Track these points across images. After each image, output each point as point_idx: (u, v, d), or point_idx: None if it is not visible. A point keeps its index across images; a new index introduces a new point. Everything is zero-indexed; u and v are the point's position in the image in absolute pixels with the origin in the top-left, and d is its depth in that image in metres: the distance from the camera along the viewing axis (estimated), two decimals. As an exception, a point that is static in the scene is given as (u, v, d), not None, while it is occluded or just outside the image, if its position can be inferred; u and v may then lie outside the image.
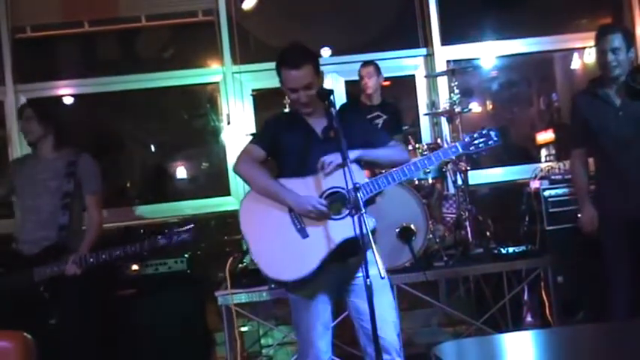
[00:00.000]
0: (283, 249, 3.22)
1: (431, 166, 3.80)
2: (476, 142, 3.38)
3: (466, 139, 3.41)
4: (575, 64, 6.79)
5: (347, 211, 3.17)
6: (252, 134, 5.62)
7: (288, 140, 3.32)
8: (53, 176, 4.17)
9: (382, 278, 2.84)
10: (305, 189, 3.24)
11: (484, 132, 3.38)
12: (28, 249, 4.07)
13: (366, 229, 2.87)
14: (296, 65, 3.25)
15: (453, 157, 3.44)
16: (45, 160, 4.23)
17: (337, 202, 3.22)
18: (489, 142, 3.37)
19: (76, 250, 4.08)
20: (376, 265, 2.84)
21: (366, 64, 5.58)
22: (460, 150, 3.39)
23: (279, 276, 3.25)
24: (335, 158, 3.15)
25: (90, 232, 4.28)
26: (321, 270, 3.17)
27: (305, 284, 3.21)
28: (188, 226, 4.14)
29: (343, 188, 3.13)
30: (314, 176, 3.25)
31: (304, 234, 3.21)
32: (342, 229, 3.17)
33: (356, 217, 2.92)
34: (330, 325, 3.35)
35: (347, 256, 3.22)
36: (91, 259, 4.05)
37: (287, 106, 5.12)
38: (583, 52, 6.70)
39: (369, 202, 3.26)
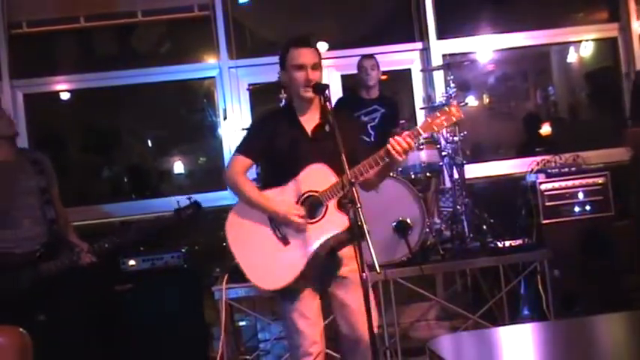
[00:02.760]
0: (268, 259, 3.28)
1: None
2: (437, 121, 3.22)
3: (427, 120, 3.26)
4: (572, 57, 6.79)
5: (322, 213, 3.22)
6: (247, 129, 5.62)
7: (276, 143, 3.33)
8: (28, 176, 4.14)
9: (378, 272, 2.88)
10: (283, 196, 3.29)
11: (445, 109, 3.26)
12: (21, 248, 4.03)
13: (361, 222, 2.87)
14: (307, 43, 3.33)
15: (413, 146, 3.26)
16: (12, 162, 4.17)
17: (313, 206, 3.25)
18: (452, 118, 3.24)
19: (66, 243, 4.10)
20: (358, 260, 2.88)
21: (367, 56, 5.58)
22: (422, 133, 3.22)
23: (268, 286, 3.29)
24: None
25: (70, 224, 4.32)
26: (308, 271, 3.23)
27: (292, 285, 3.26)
28: (192, 202, 4.18)
29: (317, 192, 3.21)
30: (293, 181, 3.28)
31: (285, 241, 3.27)
32: (319, 231, 3.23)
33: (351, 212, 2.93)
34: (320, 316, 3.38)
35: (335, 251, 3.29)
36: (106, 245, 4.07)
37: (283, 100, 5.11)
38: (579, 46, 6.70)
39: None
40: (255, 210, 3.31)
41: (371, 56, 5.56)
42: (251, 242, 3.32)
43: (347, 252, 3.28)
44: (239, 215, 3.37)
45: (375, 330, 3.21)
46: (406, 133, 3.18)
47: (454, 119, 3.25)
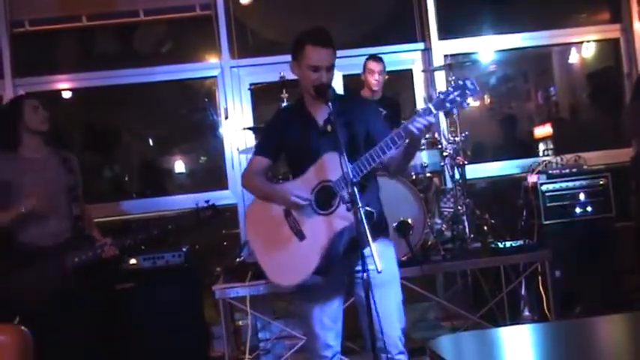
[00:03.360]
0: (285, 255, 3.24)
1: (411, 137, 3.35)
2: (451, 97, 2.99)
3: (440, 96, 3.01)
4: (573, 58, 6.80)
5: (336, 204, 3.15)
6: (249, 128, 5.63)
7: (289, 137, 3.32)
8: (58, 174, 4.17)
9: (379, 272, 2.83)
10: (299, 187, 3.24)
11: (460, 83, 3.01)
12: (45, 241, 4.06)
13: (364, 225, 2.84)
14: (326, 43, 3.23)
15: (433, 120, 3.04)
16: (43, 158, 4.19)
17: (328, 196, 3.18)
18: (467, 93, 2.98)
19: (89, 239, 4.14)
20: (385, 259, 2.86)
21: (377, 59, 5.58)
22: (434, 110, 2.99)
23: (285, 282, 3.27)
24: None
25: (92, 221, 4.39)
26: (325, 266, 3.17)
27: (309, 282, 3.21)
28: (209, 205, 4.21)
29: (331, 181, 3.15)
30: (307, 172, 3.24)
31: (301, 236, 3.22)
32: (334, 221, 3.15)
33: (352, 212, 2.90)
34: (339, 319, 3.34)
35: (350, 250, 3.18)
36: (129, 241, 4.09)
37: (285, 100, 5.12)
38: (581, 47, 6.70)
39: (362, 188, 3.08)
40: (270, 203, 3.29)
41: (380, 60, 5.57)
42: (268, 237, 3.30)
43: (365, 252, 3.07)
44: (257, 210, 3.39)
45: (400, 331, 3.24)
46: (418, 114, 3.01)
47: (469, 93, 2.98)
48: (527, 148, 6.73)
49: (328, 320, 3.29)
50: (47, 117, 4.21)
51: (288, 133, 3.33)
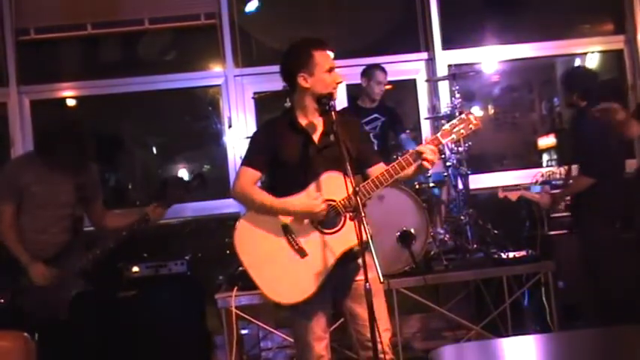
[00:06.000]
0: (283, 271, 3.19)
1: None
2: (456, 129, 3.23)
3: (447, 128, 3.25)
4: (577, 69, 6.80)
5: (341, 223, 3.17)
6: (250, 139, 5.63)
7: (285, 153, 3.27)
8: (66, 186, 4.19)
9: (382, 282, 2.86)
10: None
11: (463, 117, 3.25)
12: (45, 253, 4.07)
13: (366, 233, 2.85)
14: (328, 45, 3.33)
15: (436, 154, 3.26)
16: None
17: (330, 215, 3.18)
18: (470, 127, 3.23)
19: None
20: (374, 268, 2.84)
21: (383, 69, 5.60)
22: (442, 142, 3.24)
23: (285, 299, 3.20)
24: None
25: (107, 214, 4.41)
26: (327, 281, 3.17)
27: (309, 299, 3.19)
28: (195, 174, 4.23)
29: (334, 200, 3.15)
30: (305, 191, 3.21)
31: (302, 253, 3.19)
32: (338, 242, 3.16)
33: (355, 222, 2.92)
34: (328, 330, 3.34)
35: (346, 263, 3.22)
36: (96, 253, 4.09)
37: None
38: (585, 58, 6.71)
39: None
40: (269, 218, 3.22)
41: (384, 70, 5.58)
42: (263, 253, 3.22)
43: (360, 262, 3.17)
44: (249, 225, 3.27)
45: (387, 338, 3.21)
46: (428, 141, 3.19)
47: (472, 127, 3.23)
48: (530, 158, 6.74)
49: (320, 331, 3.27)
50: None
51: (281, 147, 3.27)
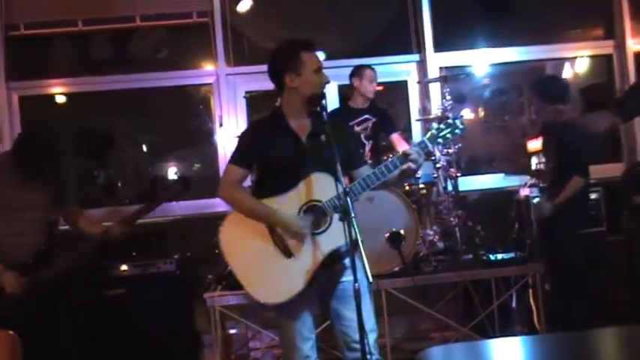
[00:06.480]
0: (268, 271, 3.19)
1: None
2: (442, 133, 3.27)
3: (434, 132, 3.29)
4: (567, 73, 6.83)
5: (327, 224, 3.18)
6: (238, 138, 5.62)
7: (272, 153, 3.26)
8: (36, 188, 4.16)
9: (370, 283, 2.86)
10: (283, 205, 3.21)
11: (449, 122, 3.29)
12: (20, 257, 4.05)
13: (355, 234, 2.86)
14: (315, 46, 3.33)
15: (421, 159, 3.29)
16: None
17: (316, 216, 3.19)
18: (455, 132, 3.27)
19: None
20: (361, 269, 2.84)
21: (373, 68, 5.61)
22: (429, 145, 3.26)
23: (270, 299, 3.20)
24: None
25: (82, 216, 4.36)
26: (312, 282, 3.17)
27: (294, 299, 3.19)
28: (178, 177, 4.20)
29: (320, 201, 3.16)
30: (293, 191, 3.21)
31: (288, 253, 3.19)
32: (325, 242, 3.17)
33: (345, 222, 2.91)
34: (314, 330, 3.34)
35: (333, 263, 3.22)
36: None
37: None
38: (574, 62, 6.75)
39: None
40: (254, 220, 3.22)
41: (373, 69, 5.61)
42: (249, 253, 3.22)
43: (347, 263, 3.22)
44: (235, 224, 3.26)
45: (373, 339, 3.21)
46: (414, 144, 3.22)
47: (459, 132, 3.27)
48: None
49: (307, 331, 3.27)
50: None
51: (269, 148, 3.26)
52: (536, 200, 5.20)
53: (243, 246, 3.24)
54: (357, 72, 5.60)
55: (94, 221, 4.40)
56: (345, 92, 6.11)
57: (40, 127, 4.21)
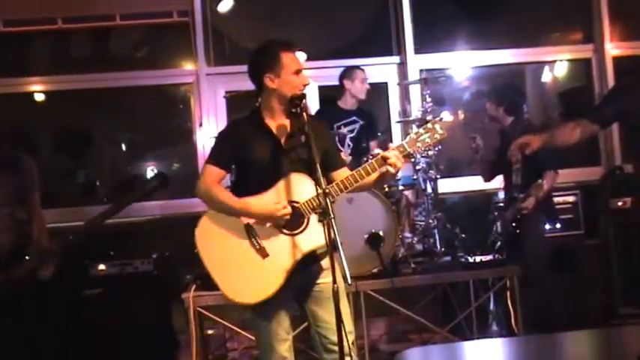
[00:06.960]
0: (243, 271, 3.18)
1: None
2: (422, 137, 3.21)
3: (413, 137, 3.24)
4: (546, 76, 6.89)
5: (304, 225, 3.16)
6: (216, 138, 5.60)
7: (250, 153, 3.25)
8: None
9: (349, 284, 2.87)
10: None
11: (429, 126, 3.23)
12: None
13: (334, 234, 2.85)
14: (295, 47, 3.32)
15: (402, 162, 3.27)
16: None
17: (295, 216, 3.17)
18: (435, 136, 3.21)
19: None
20: (340, 270, 2.84)
21: (362, 69, 5.62)
22: (407, 149, 3.22)
23: (244, 299, 3.19)
24: None
25: (44, 229, 4.27)
26: (287, 282, 3.16)
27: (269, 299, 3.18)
28: (155, 174, 4.16)
29: (298, 202, 3.15)
30: (272, 191, 3.20)
31: (264, 253, 3.18)
32: (303, 242, 3.16)
33: (323, 223, 2.91)
34: (291, 331, 3.33)
35: (309, 264, 3.22)
36: (70, 237, 4.04)
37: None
38: (554, 65, 6.80)
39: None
40: (231, 218, 3.20)
41: (363, 69, 5.63)
42: (225, 252, 3.21)
43: (323, 264, 3.24)
44: (211, 224, 3.25)
45: (350, 341, 3.20)
46: (393, 147, 3.18)
47: (438, 137, 3.22)
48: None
49: (283, 332, 3.26)
50: None
51: (247, 148, 3.25)
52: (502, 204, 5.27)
53: (218, 246, 3.23)
54: (347, 74, 5.59)
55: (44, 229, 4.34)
56: (327, 93, 6.11)
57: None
